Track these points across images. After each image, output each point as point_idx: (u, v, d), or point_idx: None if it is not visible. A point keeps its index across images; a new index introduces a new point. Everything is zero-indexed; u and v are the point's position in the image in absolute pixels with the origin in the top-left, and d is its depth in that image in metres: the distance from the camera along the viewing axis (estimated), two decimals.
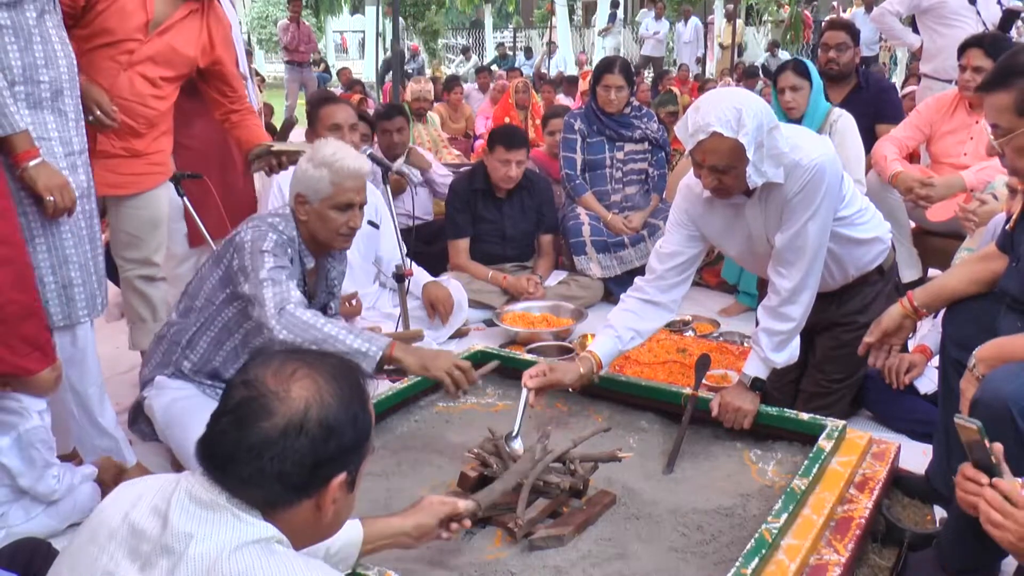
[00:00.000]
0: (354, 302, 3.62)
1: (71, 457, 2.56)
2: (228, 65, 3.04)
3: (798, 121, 3.83)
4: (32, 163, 2.16)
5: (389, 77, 10.39)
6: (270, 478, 1.17)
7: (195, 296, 2.54)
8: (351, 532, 1.69)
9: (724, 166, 2.31)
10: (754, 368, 2.51)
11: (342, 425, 1.22)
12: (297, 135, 5.80)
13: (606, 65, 4.52)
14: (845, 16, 15.14)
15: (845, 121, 3.86)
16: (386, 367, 3.03)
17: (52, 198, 2.19)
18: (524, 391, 2.43)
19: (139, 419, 2.71)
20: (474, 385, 2.34)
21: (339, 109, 3.61)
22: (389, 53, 12.35)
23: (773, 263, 2.53)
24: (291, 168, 3.17)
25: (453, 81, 9.40)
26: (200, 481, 1.20)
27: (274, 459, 1.17)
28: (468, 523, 1.88)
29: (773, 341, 2.50)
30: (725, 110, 2.25)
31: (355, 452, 1.25)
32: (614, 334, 2.63)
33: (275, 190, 3.54)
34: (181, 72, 2.87)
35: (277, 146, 3.06)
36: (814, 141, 2.47)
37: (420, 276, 3.74)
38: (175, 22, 2.77)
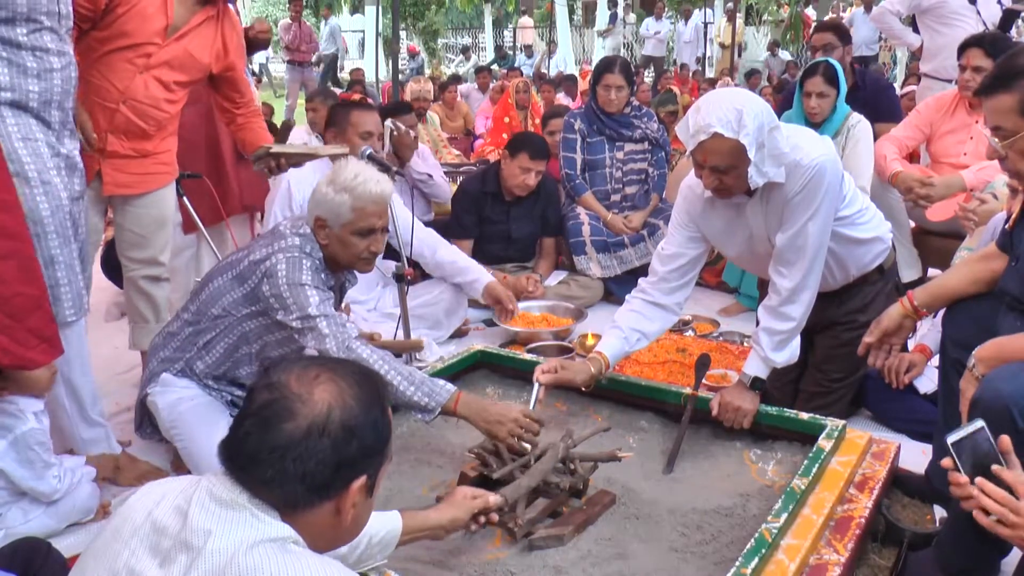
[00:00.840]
0: (342, 306, 3.61)
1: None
2: (240, 71, 3.05)
3: (818, 125, 3.83)
4: None
5: (387, 77, 10.42)
6: (292, 479, 1.19)
7: (210, 304, 2.52)
8: (392, 523, 1.75)
9: (725, 166, 2.32)
10: (754, 367, 2.51)
11: (363, 428, 1.24)
12: (296, 136, 5.78)
13: (606, 65, 4.51)
14: (844, 16, 15.15)
15: (863, 127, 3.85)
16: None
17: None
18: (536, 385, 2.45)
19: (144, 422, 2.71)
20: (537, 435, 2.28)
21: (370, 116, 3.53)
22: (329, 51, 12.13)
23: (774, 263, 2.53)
24: (292, 169, 3.19)
25: (448, 81, 9.38)
26: (222, 481, 1.22)
27: (297, 460, 1.19)
28: (495, 517, 1.92)
29: (773, 340, 2.50)
30: (726, 111, 2.26)
31: (375, 455, 1.28)
32: (621, 335, 2.64)
33: (284, 189, 3.51)
34: (195, 77, 2.87)
35: (276, 148, 3.05)
36: (814, 141, 2.48)
37: (481, 275, 3.73)
38: (192, 28, 2.77)
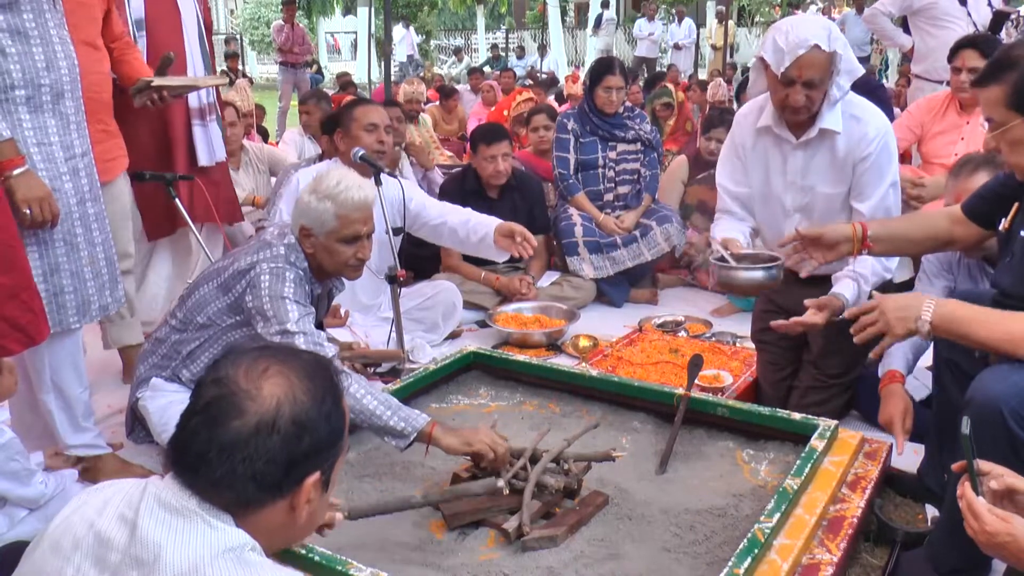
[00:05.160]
0: (342, 313, 3.61)
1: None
2: (113, 5, 2.93)
3: None
4: (15, 172, 2.13)
5: (379, 79, 10.39)
6: (243, 478, 1.15)
7: (196, 311, 2.51)
8: None
9: (818, 80, 2.49)
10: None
11: (315, 423, 1.20)
12: (290, 137, 5.75)
13: (606, 66, 4.50)
14: (836, 17, 15.20)
15: None
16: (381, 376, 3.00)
17: (28, 211, 2.15)
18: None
19: (135, 427, 2.70)
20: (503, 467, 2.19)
21: (376, 109, 3.52)
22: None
23: None
24: (302, 168, 3.09)
25: (451, 90, 9.34)
26: (169, 485, 1.18)
27: (246, 459, 1.15)
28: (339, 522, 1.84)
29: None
30: (819, 26, 2.49)
31: (329, 450, 1.24)
32: (735, 229, 2.77)
33: (292, 186, 3.45)
34: (99, 21, 2.79)
35: (157, 81, 2.94)
36: (874, 107, 2.65)
37: (489, 222, 3.38)
38: None
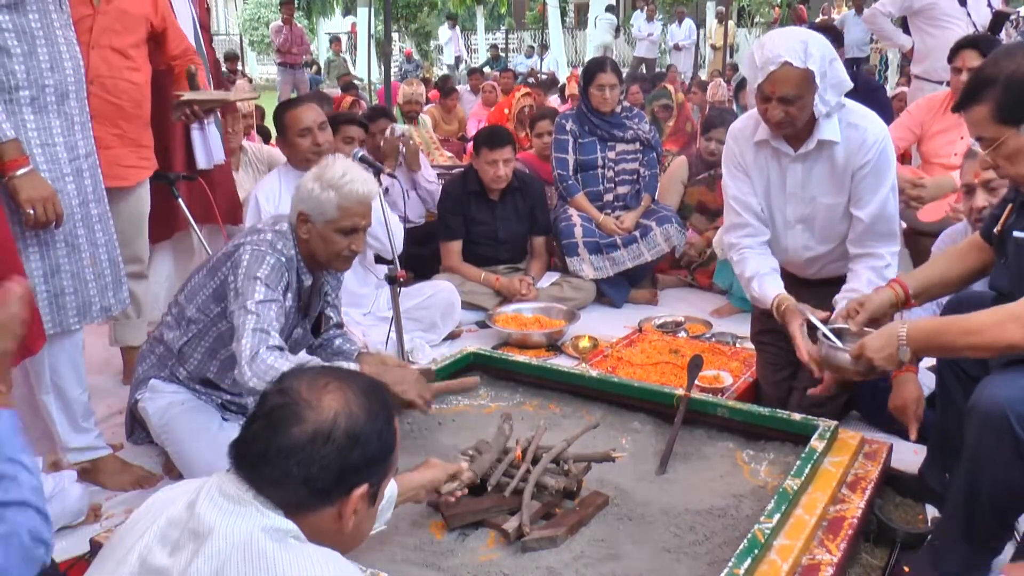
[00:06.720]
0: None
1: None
2: (174, 21, 2.97)
3: None
4: (19, 172, 2.13)
5: (380, 79, 10.37)
6: (296, 481, 1.25)
7: (188, 302, 2.51)
8: (390, 488, 1.84)
9: (793, 96, 2.45)
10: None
11: (367, 437, 1.29)
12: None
13: (598, 65, 4.51)
14: (835, 17, 15.20)
15: None
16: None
17: (32, 211, 2.15)
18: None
19: (136, 429, 2.70)
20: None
21: (305, 111, 3.47)
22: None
23: (864, 240, 2.63)
24: (260, 182, 3.10)
25: (450, 88, 9.35)
26: (230, 478, 1.28)
27: (301, 463, 1.25)
28: (470, 475, 2.06)
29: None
30: (793, 42, 2.44)
31: (379, 464, 1.33)
32: (773, 272, 2.72)
33: (253, 204, 3.46)
34: (142, 35, 2.82)
35: (187, 96, 2.94)
36: (873, 114, 2.64)
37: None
38: None
